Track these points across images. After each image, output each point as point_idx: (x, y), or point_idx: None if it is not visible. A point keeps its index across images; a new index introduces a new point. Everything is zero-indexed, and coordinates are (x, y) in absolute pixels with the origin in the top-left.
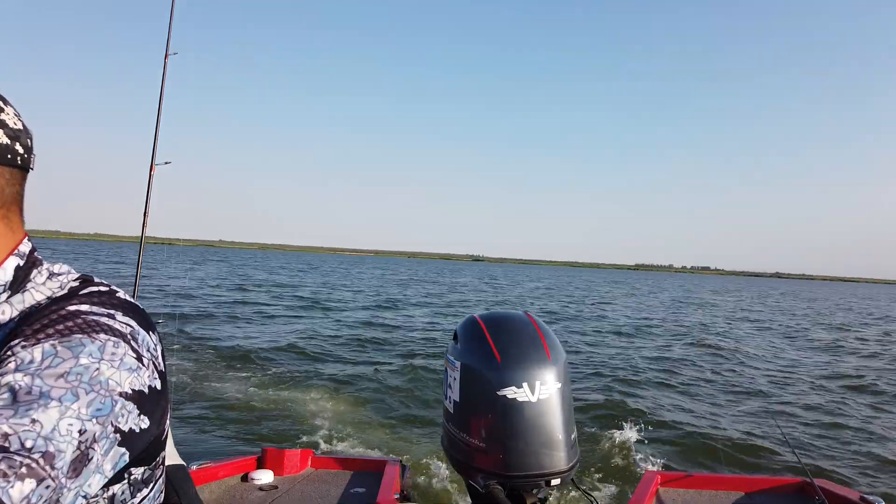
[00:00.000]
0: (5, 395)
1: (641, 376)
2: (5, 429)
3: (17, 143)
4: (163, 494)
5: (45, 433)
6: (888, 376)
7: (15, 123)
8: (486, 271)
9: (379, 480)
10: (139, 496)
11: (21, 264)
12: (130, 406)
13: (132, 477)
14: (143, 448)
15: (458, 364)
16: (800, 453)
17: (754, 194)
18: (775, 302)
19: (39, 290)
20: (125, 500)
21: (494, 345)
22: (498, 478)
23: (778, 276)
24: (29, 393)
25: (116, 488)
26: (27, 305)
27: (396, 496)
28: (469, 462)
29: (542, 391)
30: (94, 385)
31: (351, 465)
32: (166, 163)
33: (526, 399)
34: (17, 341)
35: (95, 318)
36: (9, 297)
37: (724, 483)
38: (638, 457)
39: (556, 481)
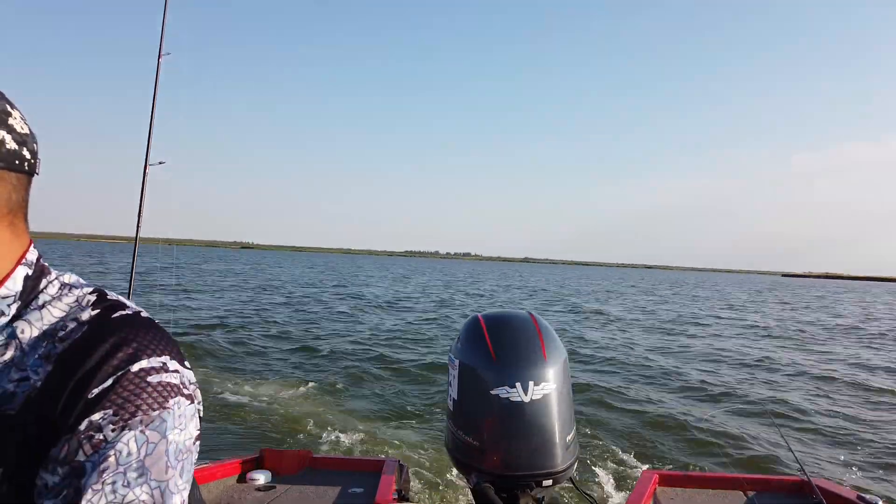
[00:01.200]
0: None
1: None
2: None
3: (25, 149)
4: None
5: None
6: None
7: (22, 128)
8: (257, 259)
9: (377, 480)
10: None
11: (30, 273)
12: (196, 445)
13: None
14: None
15: (457, 362)
16: (797, 452)
17: (502, 186)
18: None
19: (56, 305)
20: None
21: (491, 344)
22: (490, 476)
23: (526, 260)
24: (148, 501)
25: None
26: (47, 323)
27: (395, 496)
28: (465, 460)
29: (536, 392)
30: (182, 454)
31: (349, 466)
32: (160, 162)
33: (519, 399)
34: (100, 417)
35: (158, 377)
36: (23, 311)
37: (721, 482)
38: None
39: (547, 482)
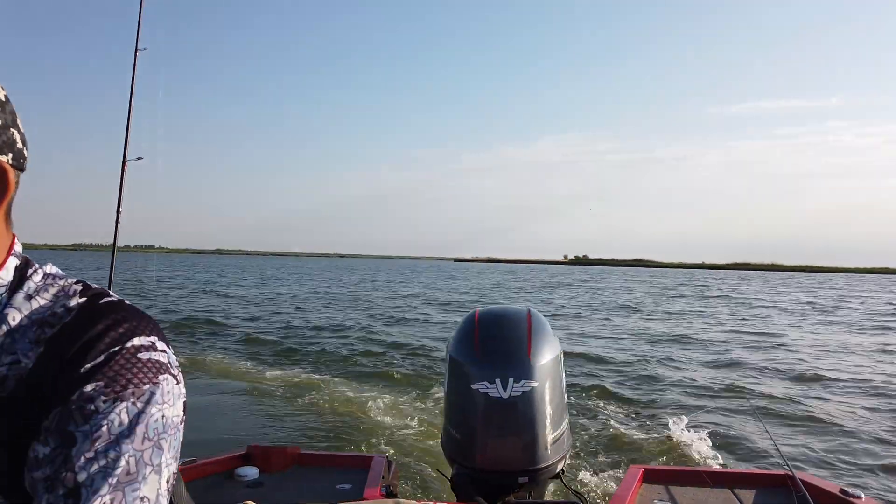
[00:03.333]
0: (117, 478)
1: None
2: None
3: (26, 148)
4: None
5: (152, 499)
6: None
7: (23, 128)
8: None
9: (365, 476)
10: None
11: (18, 264)
12: (182, 425)
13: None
14: None
15: (448, 356)
16: (781, 447)
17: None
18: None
19: (42, 294)
20: None
21: (479, 339)
22: (470, 470)
23: (219, 252)
24: (136, 469)
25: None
26: (35, 310)
27: (382, 492)
28: (449, 452)
29: (516, 389)
30: (170, 429)
31: (337, 461)
32: (139, 158)
33: (498, 395)
34: (92, 388)
35: (148, 355)
36: (10, 299)
37: (707, 477)
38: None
39: (524, 479)
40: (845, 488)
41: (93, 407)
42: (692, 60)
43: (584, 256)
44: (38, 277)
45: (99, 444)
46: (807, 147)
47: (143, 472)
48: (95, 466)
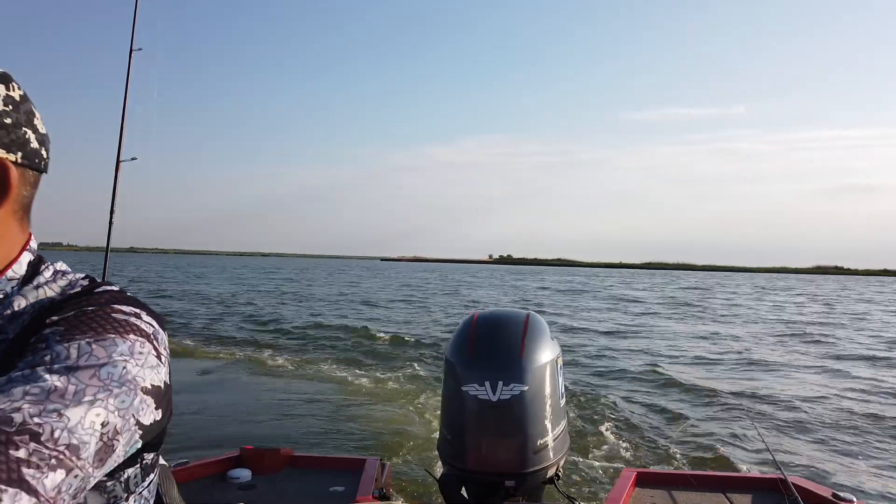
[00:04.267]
0: (37, 390)
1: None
2: (36, 421)
3: (44, 148)
4: (155, 486)
5: (71, 426)
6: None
7: (42, 128)
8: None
9: (358, 478)
10: (147, 480)
11: (32, 259)
12: (149, 400)
13: (144, 462)
14: (154, 435)
15: (445, 357)
16: (774, 451)
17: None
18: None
19: (51, 286)
20: (137, 482)
21: (473, 341)
22: (457, 471)
23: (132, 250)
24: (61, 390)
25: (130, 472)
26: (41, 300)
27: (375, 494)
28: (442, 453)
29: (505, 392)
30: (123, 381)
31: (330, 464)
32: (133, 158)
33: (486, 397)
34: (49, 330)
35: (126, 317)
36: (22, 289)
37: (699, 480)
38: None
39: (510, 483)
40: (837, 492)
41: (43, 345)
42: (611, 68)
43: (508, 256)
44: (48, 273)
45: (35, 366)
46: (715, 152)
47: (75, 397)
48: (19, 374)
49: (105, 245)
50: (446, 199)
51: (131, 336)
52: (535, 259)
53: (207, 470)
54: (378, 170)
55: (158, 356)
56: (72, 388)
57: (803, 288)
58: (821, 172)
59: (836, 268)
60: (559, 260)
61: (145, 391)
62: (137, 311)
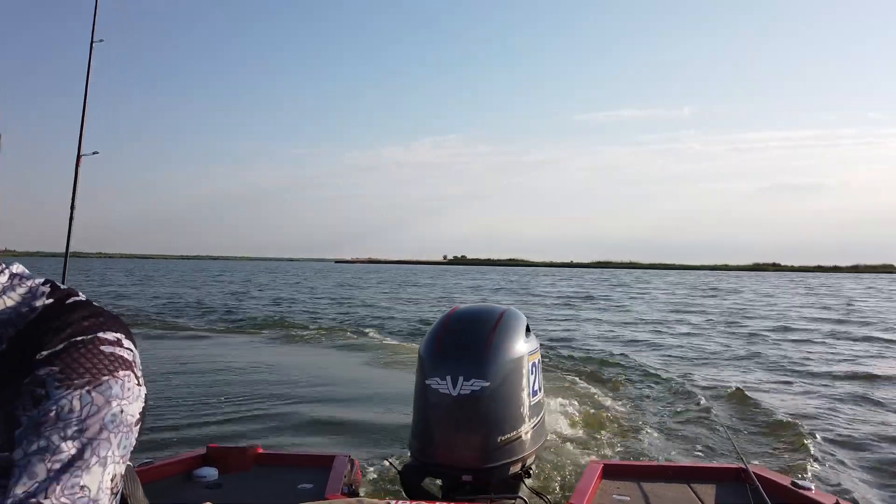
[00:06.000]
0: (58, 465)
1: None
2: (64, 501)
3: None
4: None
5: (93, 496)
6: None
7: None
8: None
9: (327, 475)
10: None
11: None
12: (137, 428)
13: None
14: None
15: (419, 350)
16: (736, 441)
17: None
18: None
19: (10, 294)
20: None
21: (441, 336)
22: (418, 462)
23: (76, 254)
24: (77, 458)
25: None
26: (1, 310)
27: (345, 490)
28: (409, 446)
29: (465, 387)
30: (123, 427)
31: (298, 461)
32: (94, 153)
33: (447, 392)
34: (45, 372)
35: (112, 349)
36: None
37: (664, 471)
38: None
39: (467, 477)
40: (796, 480)
41: (43, 392)
42: (562, 70)
43: (462, 257)
44: (4, 278)
45: (44, 428)
46: (662, 153)
47: (88, 461)
48: (34, 447)
49: (65, 247)
50: (401, 200)
51: (120, 373)
52: (489, 259)
53: (173, 469)
54: (333, 170)
55: (139, 382)
56: (87, 452)
57: (741, 283)
58: (762, 172)
59: (773, 265)
60: (512, 260)
61: (136, 423)
62: (118, 336)
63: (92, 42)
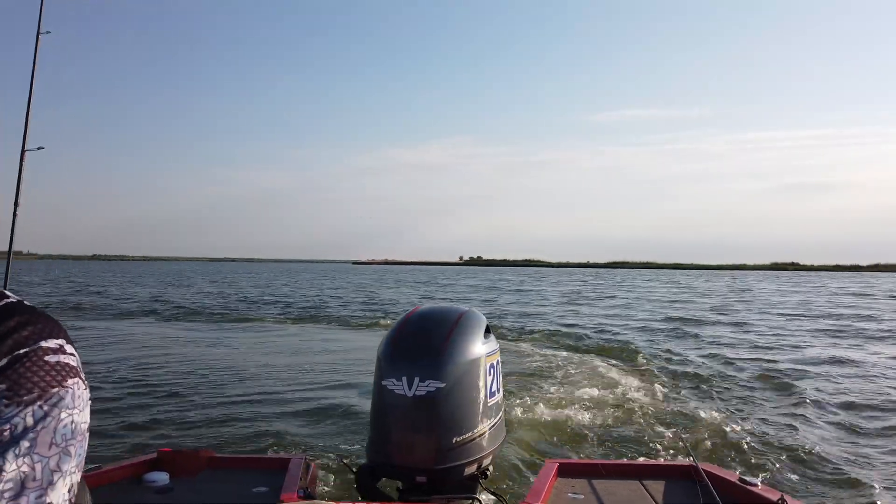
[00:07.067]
0: (11, 484)
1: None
2: None
3: None
4: None
5: None
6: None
7: None
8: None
9: (282, 478)
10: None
11: None
12: (87, 433)
13: None
14: None
15: (378, 350)
16: (686, 439)
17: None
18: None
19: None
20: None
21: (399, 336)
22: (373, 463)
23: (95, 257)
24: (32, 476)
25: None
26: None
27: (300, 493)
28: (366, 447)
29: (421, 388)
30: (78, 436)
31: (252, 464)
32: (39, 148)
33: (402, 392)
34: None
35: (56, 358)
36: None
37: (618, 469)
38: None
39: (421, 478)
40: (743, 476)
41: None
42: (572, 69)
43: (478, 257)
44: None
45: (2, 450)
46: (675, 153)
47: (49, 478)
48: None
49: (9, 246)
50: (415, 202)
51: (69, 381)
52: (504, 260)
53: (122, 473)
54: (339, 172)
55: (85, 386)
56: (39, 468)
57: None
58: (775, 171)
59: (792, 264)
60: (527, 261)
61: (87, 429)
62: (59, 342)
63: (38, 33)
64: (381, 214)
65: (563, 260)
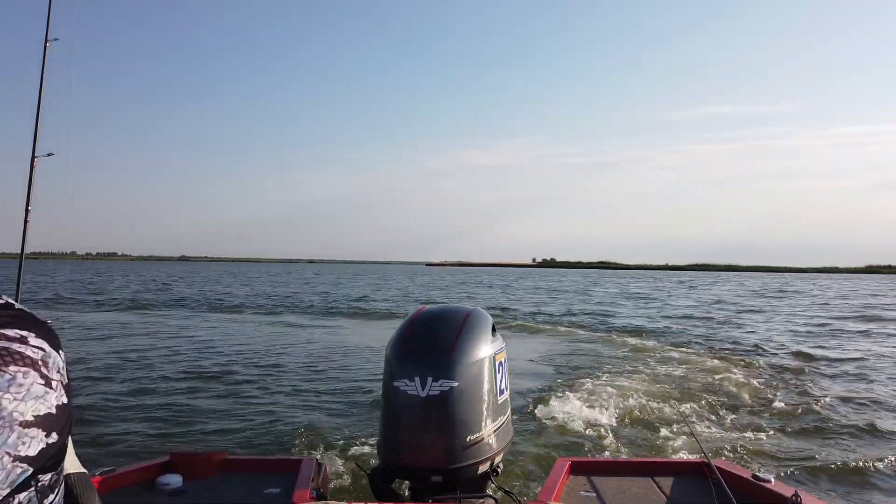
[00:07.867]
0: None
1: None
2: None
3: None
4: (62, 499)
5: None
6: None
7: None
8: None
9: (294, 480)
10: (47, 500)
11: None
12: (33, 431)
13: (39, 484)
14: (48, 458)
15: (385, 353)
16: (699, 435)
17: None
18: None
19: None
20: None
21: (409, 336)
22: (386, 464)
23: (184, 258)
24: None
25: (23, 496)
26: None
27: (312, 495)
28: (378, 448)
29: (434, 388)
30: (3, 422)
31: (264, 466)
32: (49, 154)
33: (415, 393)
34: None
35: (8, 344)
36: None
37: (629, 466)
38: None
39: (437, 478)
40: (757, 473)
41: None
42: (650, 65)
43: (551, 259)
44: None
45: None
46: (756, 150)
47: None
48: None
49: (20, 249)
50: (486, 203)
51: (11, 368)
52: (578, 262)
53: (135, 477)
54: (412, 174)
55: (47, 382)
56: None
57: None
58: (867, 168)
59: (888, 267)
60: (601, 262)
61: (25, 424)
62: (24, 333)
63: (46, 41)
64: (453, 216)
65: (642, 262)
